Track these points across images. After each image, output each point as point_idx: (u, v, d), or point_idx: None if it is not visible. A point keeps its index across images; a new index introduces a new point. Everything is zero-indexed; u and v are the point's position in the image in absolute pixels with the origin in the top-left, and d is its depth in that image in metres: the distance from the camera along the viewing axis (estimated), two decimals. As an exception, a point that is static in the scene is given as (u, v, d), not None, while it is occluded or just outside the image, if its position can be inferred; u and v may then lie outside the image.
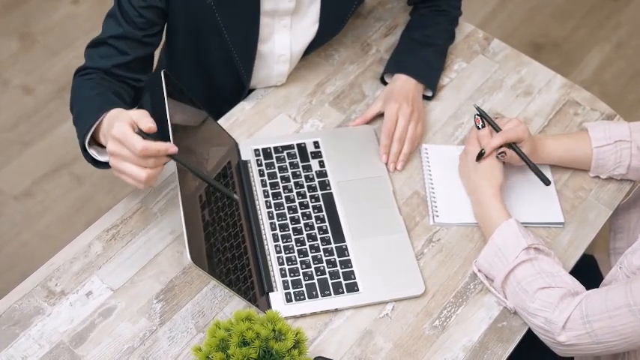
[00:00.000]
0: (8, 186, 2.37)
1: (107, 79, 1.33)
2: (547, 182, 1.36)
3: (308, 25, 1.45)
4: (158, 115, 1.23)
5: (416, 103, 1.47)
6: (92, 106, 1.23)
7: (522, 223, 1.36)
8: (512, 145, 1.36)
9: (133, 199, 1.38)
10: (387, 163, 1.45)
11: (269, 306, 1.26)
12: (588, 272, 1.51)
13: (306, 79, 1.56)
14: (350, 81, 1.56)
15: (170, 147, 1.13)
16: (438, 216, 1.39)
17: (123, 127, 1.12)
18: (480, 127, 1.37)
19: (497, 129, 1.37)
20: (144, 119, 1.13)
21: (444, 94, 1.55)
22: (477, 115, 1.38)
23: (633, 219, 1.45)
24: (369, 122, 1.50)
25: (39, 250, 2.24)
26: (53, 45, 2.70)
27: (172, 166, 1.27)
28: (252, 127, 1.49)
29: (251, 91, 1.55)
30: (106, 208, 1.37)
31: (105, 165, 1.24)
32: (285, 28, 1.42)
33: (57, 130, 2.49)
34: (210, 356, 1.08)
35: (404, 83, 1.49)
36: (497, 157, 1.35)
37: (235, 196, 1.24)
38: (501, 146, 1.35)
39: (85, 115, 1.23)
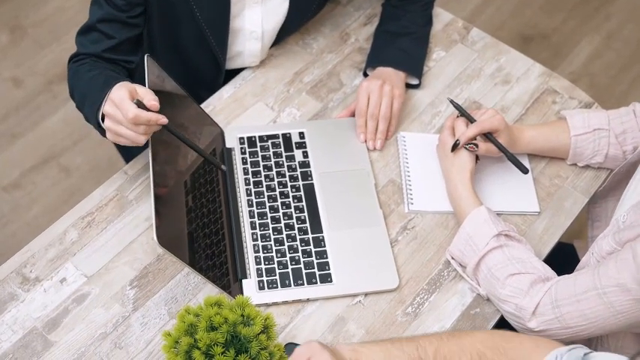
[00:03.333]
0: (-3, 177, 2.38)
1: (100, 62, 1.38)
2: (525, 171, 1.36)
3: (279, 2, 1.45)
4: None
5: (389, 80, 1.46)
6: (96, 85, 1.28)
7: (498, 212, 1.37)
8: (488, 135, 1.35)
9: (109, 187, 1.38)
10: (366, 142, 1.45)
11: (241, 293, 1.26)
12: (568, 261, 1.51)
13: (284, 68, 1.56)
14: (328, 70, 1.56)
15: (161, 118, 1.20)
16: (412, 203, 1.39)
17: (121, 91, 1.20)
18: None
19: (472, 120, 1.37)
20: (149, 95, 1.20)
21: (422, 83, 1.54)
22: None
23: (610, 207, 1.45)
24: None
25: (26, 240, 2.20)
26: (43, 38, 2.70)
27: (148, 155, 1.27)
28: (230, 115, 1.49)
29: (228, 76, 1.55)
30: (93, 200, 1.38)
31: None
32: (257, 4, 1.43)
33: (46, 122, 2.50)
34: (179, 341, 1.09)
35: (381, 70, 1.50)
36: (465, 148, 1.34)
37: (223, 167, 1.30)
38: (476, 137, 1.35)
39: (91, 95, 1.28)
